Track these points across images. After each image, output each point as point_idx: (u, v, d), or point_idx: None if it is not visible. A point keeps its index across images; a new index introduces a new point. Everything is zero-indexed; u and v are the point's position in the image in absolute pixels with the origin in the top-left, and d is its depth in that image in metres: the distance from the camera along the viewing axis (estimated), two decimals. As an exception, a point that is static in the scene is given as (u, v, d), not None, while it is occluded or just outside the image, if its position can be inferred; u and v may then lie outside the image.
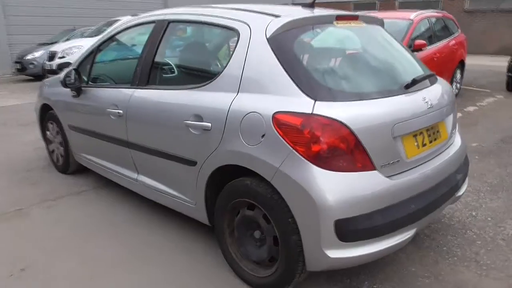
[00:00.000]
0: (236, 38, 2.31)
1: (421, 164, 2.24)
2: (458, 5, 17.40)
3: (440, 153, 2.41)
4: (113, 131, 3.07)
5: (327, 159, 1.92)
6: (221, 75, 2.32)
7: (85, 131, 3.43)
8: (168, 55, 2.76)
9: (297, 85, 2.03)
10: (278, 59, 2.11)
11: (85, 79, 3.37)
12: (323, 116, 1.92)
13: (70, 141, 3.74)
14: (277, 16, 2.27)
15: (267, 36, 2.19)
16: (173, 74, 2.65)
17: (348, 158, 1.94)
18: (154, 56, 2.77)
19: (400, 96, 2.21)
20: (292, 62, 2.11)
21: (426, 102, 2.29)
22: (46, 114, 4.04)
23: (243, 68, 2.21)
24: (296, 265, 2.07)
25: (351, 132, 1.93)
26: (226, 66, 2.31)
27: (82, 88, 3.36)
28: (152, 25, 2.87)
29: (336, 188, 1.91)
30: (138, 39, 2.99)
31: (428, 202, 2.21)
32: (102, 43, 3.33)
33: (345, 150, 1.93)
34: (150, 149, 2.75)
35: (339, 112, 1.95)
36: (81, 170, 4.00)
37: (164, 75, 2.71)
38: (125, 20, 3.18)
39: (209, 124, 2.28)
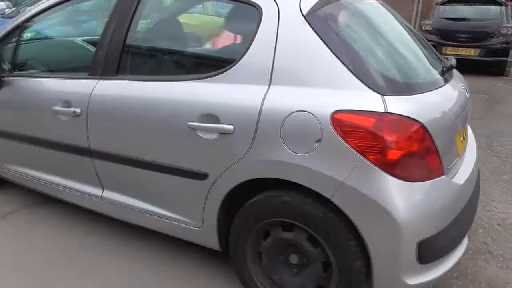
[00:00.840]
0: (256, 16, 1.80)
1: (463, 161, 2.03)
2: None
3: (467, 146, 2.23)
4: (62, 135, 2.31)
5: (405, 168, 1.57)
6: (238, 63, 1.79)
7: (12, 135, 2.58)
8: (149, 36, 2.10)
9: (355, 75, 1.62)
10: (324, 43, 1.67)
11: (6, 66, 2.50)
12: (400, 115, 1.56)
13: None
14: None
15: (304, 14, 1.73)
16: (159, 61, 2.02)
17: (425, 165, 1.62)
18: (126, 36, 2.09)
19: (447, 85, 1.95)
20: (343, 46, 1.69)
21: (465, 90, 2.06)
22: None
23: (274, 55, 1.72)
24: (357, 295, 1.72)
25: (429, 134, 1.60)
26: (245, 52, 1.78)
27: (3, 78, 2.49)
28: None
29: (417, 203, 1.58)
30: (91, 13, 2.26)
31: (474, 201, 2.02)
32: (31, 16, 2.47)
33: (423, 155, 1.60)
34: (128, 159, 2.11)
35: (413, 109, 1.60)
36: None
37: (144, 63, 2.07)
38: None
39: (231, 127, 1.76)
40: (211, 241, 2.04)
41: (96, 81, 2.16)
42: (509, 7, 8.25)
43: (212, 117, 1.80)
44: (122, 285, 2.14)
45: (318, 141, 1.60)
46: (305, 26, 1.71)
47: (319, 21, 1.72)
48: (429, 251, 1.61)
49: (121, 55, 2.10)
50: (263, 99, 1.71)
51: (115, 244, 2.48)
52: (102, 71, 2.15)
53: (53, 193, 2.59)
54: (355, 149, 1.56)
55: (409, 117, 1.56)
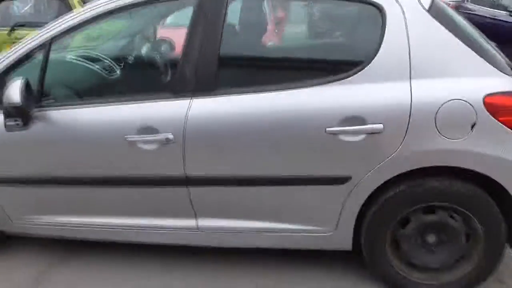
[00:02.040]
0: (379, 14, 1.83)
1: None
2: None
3: None
4: (142, 168, 1.99)
5: None
6: (372, 61, 1.81)
7: (51, 180, 2.09)
8: (253, 42, 1.92)
9: (487, 61, 1.81)
10: (453, 34, 1.81)
11: (34, 96, 2.00)
12: None
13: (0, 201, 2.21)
14: None
15: (427, 8, 1.84)
16: (272, 69, 1.88)
17: None
18: (220, 46, 1.89)
19: None
20: (466, 35, 1.87)
21: None
22: None
23: (409, 51, 1.80)
24: (501, 254, 1.95)
25: None
26: (377, 50, 1.81)
27: (36, 111, 2.00)
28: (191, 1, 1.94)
29: None
30: (146, 25, 1.98)
31: None
32: (62, 32, 2.00)
33: None
34: (243, 178, 1.94)
35: None
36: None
37: (253, 73, 1.89)
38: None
39: (380, 126, 1.78)
40: (344, 243, 2.03)
41: (187, 100, 1.91)
42: None
43: (356, 119, 1.79)
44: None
45: (474, 124, 1.75)
46: (431, 20, 1.82)
47: (441, 14, 1.86)
48: None
49: (218, 68, 1.90)
50: (411, 94, 1.77)
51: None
52: (194, 89, 1.91)
53: (114, 237, 2.21)
54: (507, 125, 1.75)
55: None
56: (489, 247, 1.93)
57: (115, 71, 2.15)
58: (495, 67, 1.81)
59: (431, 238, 1.99)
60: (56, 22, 2.03)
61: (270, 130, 1.86)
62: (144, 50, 2.18)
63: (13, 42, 5.22)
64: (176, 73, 1.94)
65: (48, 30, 2.01)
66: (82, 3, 5.31)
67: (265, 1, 2.07)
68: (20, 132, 2.01)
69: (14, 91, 1.85)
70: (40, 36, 2.02)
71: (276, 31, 2.09)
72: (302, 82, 1.87)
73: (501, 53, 2.03)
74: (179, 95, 1.92)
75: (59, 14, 5.23)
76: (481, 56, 1.81)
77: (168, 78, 1.94)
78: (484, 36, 2.10)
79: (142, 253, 2.37)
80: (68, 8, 5.09)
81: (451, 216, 1.93)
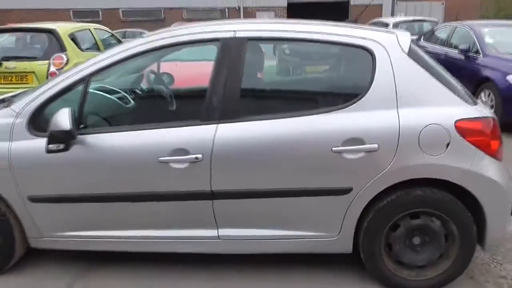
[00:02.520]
0: (370, 56, 2.27)
1: None
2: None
3: None
4: (172, 185, 2.28)
5: (499, 151, 2.30)
6: (367, 94, 2.24)
7: (88, 198, 2.34)
8: (269, 79, 2.30)
9: (453, 93, 2.28)
10: (428, 72, 2.28)
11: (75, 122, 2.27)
12: (490, 117, 2.29)
13: (35, 219, 2.41)
14: (392, 33, 2.40)
15: (406, 52, 2.30)
16: (287, 100, 2.25)
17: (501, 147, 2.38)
18: (241, 82, 2.27)
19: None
20: (436, 72, 2.34)
21: None
22: None
23: (395, 85, 2.24)
24: (473, 251, 2.37)
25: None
26: (370, 84, 2.24)
27: (78, 136, 2.26)
28: (215, 44, 2.31)
29: (506, 174, 2.33)
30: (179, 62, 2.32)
31: None
32: (100, 69, 2.31)
33: (501, 141, 2.36)
34: (260, 192, 2.28)
35: (488, 111, 2.35)
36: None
37: (270, 103, 2.25)
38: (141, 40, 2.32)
39: (376, 145, 2.19)
40: (346, 246, 2.39)
41: (214, 125, 2.25)
42: None
43: (356, 140, 2.20)
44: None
45: (448, 144, 2.20)
46: (410, 61, 2.28)
47: (417, 56, 2.33)
48: None
49: (240, 98, 2.26)
50: (399, 119, 2.20)
51: None
52: (220, 116, 2.26)
53: (142, 248, 2.46)
54: (473, 144, 2.21)
55: (493, 117, 2.31)
56: (463, 246, 2.35)
57: (146, 102, 2.45)
58: (460, 98, 2.29)
59: (416, 240, 2.39)
60: (92, 61, 2.34)
61: (285, 149, 2.23)
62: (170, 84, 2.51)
63: (3, 74, 5.37)
64: (204, 103, 2.28)
65: (86, 67, 2.32)
66: (69, 39, 5.58)
67: (279, 45, 2.49)
68: (59, 154, 2.26)
69: (64, 118, 2.12)
70: (80, 72, 2.32)
71: (290, 69, 2.50)
72: (311, 110, 2.27)
73: (462, 86, 2.52)
74: (207, 121, 2.26)
75: (50, 46, 5.47)
76: (450, 89, 2.28)
77: (197, 107, 2.27)
78: (448, 72, 2.60)
79: (157, 264, 2.65)
80: (60, 41, 5.32)
81: (432, 221, 2.34)
